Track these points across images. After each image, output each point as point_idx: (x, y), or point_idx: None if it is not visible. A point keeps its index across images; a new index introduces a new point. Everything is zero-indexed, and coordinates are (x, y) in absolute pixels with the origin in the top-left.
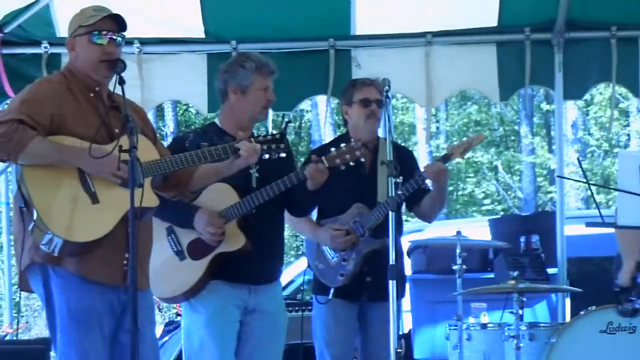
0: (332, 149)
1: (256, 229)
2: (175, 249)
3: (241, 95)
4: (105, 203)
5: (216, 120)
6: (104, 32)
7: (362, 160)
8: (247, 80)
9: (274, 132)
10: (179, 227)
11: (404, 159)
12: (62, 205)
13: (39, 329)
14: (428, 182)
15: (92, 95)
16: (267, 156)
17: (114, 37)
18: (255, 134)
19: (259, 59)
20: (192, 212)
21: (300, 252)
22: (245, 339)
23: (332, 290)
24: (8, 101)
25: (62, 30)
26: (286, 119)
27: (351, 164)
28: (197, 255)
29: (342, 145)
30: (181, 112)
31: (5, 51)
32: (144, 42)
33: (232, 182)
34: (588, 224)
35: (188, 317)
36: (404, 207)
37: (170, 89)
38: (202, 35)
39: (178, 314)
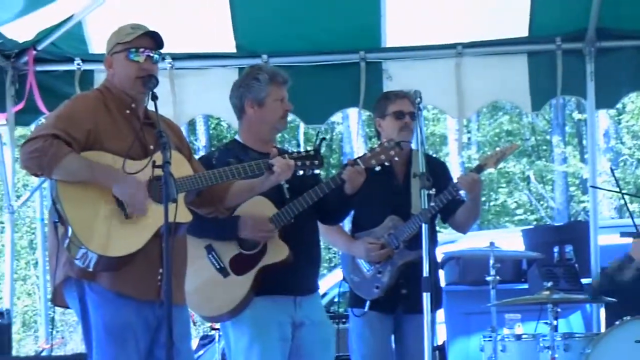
0: (366, 151)
1: (295, 239)
2: (217, 267)
3: (258, 108)
4: (138, 219)
5: (237, 137)
6: (141, 50)
7: (397, 159)
8: (262, 92)
9: (309, 148)
10: (221, 241)
11: (437, 170)
12: (95, 221)
13: (74, 344)
14: (462, 192)
15: (128, 112)
16: (301, 172)
17: (151, 54)
18: (290, 151)
19: (271, 70)
20: (234, 221)
21: (332, 265)
22: (297, 354)
23: (367, 303)
24: (42, 118)
25: (95, 47)
26: (320, 135)
27: (386, 164)
28: (241, 271)
29: (376, 146)
30: (213, 126)
31: (38, 68)
32: (175, 57)
33: (265, 195)
34: (623, 234)
35: (232, 337)
36: (438, 218)
37: (202, 103)
38: (234, 50)
39: (213, 328)
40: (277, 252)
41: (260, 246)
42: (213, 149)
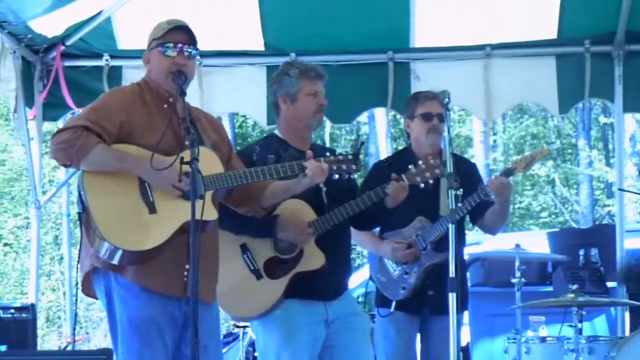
0: (411, 167)
1: (330, 245)
2: (251, 268)
3: (291, 104)
4: (162, 213)
5: (276, 132)
6: (174, 44)
7: (441, 178)
8: (293, 87)
9: (348, 152)
10: (258, 238)
11: (466, 171)
12: (119, 214)
13: (98, 340)
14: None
15: (165, 106)
16: (337, 176)
17: (185, 49)
18: (327, 153)
19: (304, 65)
20: (273, 219)
21: (356, 265)
22: (332, 349)
23: (393, 303)
24: (69, 113)
25: (123, 43)
26: (361, 139)
27: (430, 181)
28: (275, 275)
29: (421, 162)
30: (238, 124)
31: (66, 63)
32: (203, 54)
33: (304, 198)
34: None
35: (263, 338)
36: (467, 219)
37: (230, 101)
38: (262, 48)
39: (237, 326)
40: (313, 260)
41: (297, 252)
42: (254, 143)
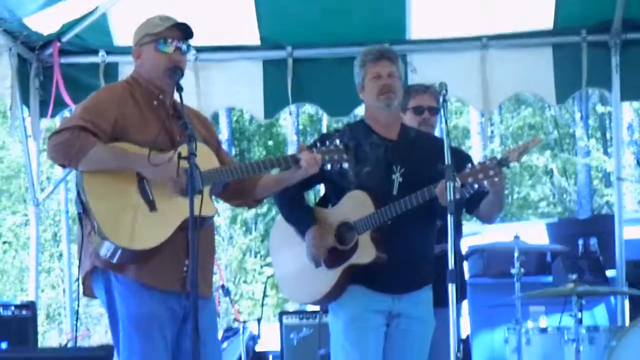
0: (469, 166)
1: (393, 240)
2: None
3: (363, 92)
4: (163, 211)
5: (364, 118)
6: (170, 41)
7: (496, 179)
8: (359, 77)
9: (337, 142)
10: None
11: (462, 162)
12: (120, 213)
13: (98, 337)
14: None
15: (155, 103)
16: (328, 167)
17: (180, 45)
18: (318, 145)
19: (365, 51)
20: (306, 228)
21: None
22: (389, 345)
23: None
24: (67, 110)
25: (119, 38)
26: (342, 128)
27: (485, 183)
28: (332, 264)
29: (478, 163)
30: (235, 118)
31: (63, 60)
32: (200, 49)
33: (373, 188)
34: None
35: (331, 322)
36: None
37: (227, 95)
38: (258, 42)
39: (236, 320)
40: (365, 254)
41: (352, 243)
42: (337, 129)
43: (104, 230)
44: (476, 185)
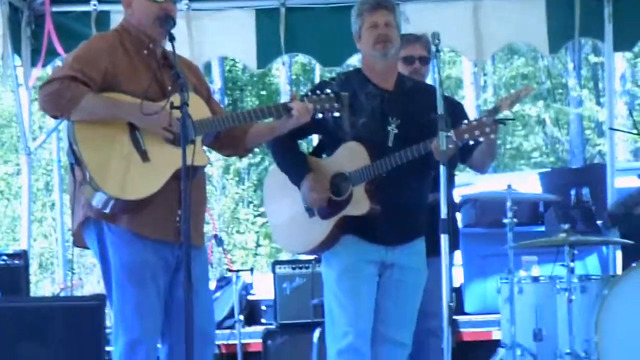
0: (465, 122)
1: (388, 192)
2: (306, 205)
3: (359, 41)
4: (155, 161)
5: (362, 67)
6: None
7: (492, 136)
8: (356, 25)
9: (329, 91)
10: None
11: (455, 111)
12: (112, 164)
13: (91, 286)
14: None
15: (145, 52)
16: (320, 115)
17: None
18: (310, 94)
19: (362, 0)
20: (302, 177)
21: None
22: (382, 294)
23: None
24: (58, 60)
25: None
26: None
27: (481, 139)
28: (325, 214)
29: (474, 119)
30: (228, 68)
31: (54, 9)
32: None
33: (368, 140)
34: None
35: (324, 272)
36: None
37: (219, 45)
38: None
39: (230, 270)
40: (358, 206)
41: (347, 194)
42: (333, 77)
43: (97, 181)
44: (471, 142)
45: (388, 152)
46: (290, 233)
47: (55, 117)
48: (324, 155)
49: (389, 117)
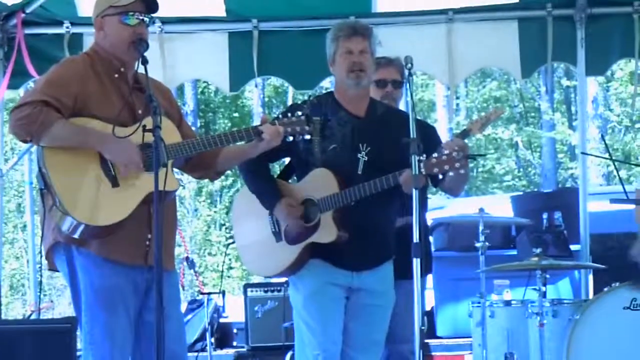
0: (435, 155)
1: (355, 218)
2: (273, 229)
3: (333, 66)
4: (125, 186)
5: (334, 91)
6: (136, 13)
7: (462, 172)
8: (330, 49)
9: (300, 113)
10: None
11: (427, 135)
12: (82, 189)
13: (62, 308)
14: None
15: (116, 75)
16: (291, 138)
17: (144, 18)
18: (281, 117)
19: (338, 25)
20: (275, 201)
21: None
22: (350, 318)
23: None
24: (31, 81)
25: (84, 9)
26: (309, 101)
27: (450, 174)
28: (293, 240)
29: (444, 153)
30: (201, 90)
31: (27, 31)
32: (165, 21)
33: (337, 167)
34: (613, 201)
35: (292, 295)
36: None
37: (192, 68)
38: (223, 14)
39: (201, 293)
40: (326, 234)
41: (315, 221)
42: (305, 100)
43: (66, 206)
44: (440, 176)
45: (357, 179)
46: (258, 256)
47: (25, 142)
48: (293, 179)
49: (360, 144)
